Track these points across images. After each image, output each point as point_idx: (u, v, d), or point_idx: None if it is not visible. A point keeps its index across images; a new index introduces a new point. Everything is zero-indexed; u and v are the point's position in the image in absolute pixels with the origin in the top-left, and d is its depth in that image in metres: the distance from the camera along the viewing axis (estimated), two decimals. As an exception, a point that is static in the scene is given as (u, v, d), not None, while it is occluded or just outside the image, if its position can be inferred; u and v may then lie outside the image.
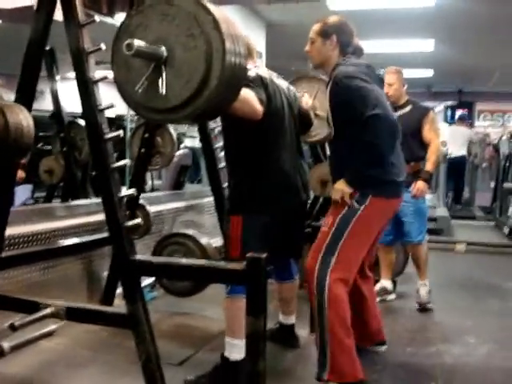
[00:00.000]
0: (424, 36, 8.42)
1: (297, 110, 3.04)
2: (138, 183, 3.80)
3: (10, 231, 2.90)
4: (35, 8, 2.68)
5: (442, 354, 3.28)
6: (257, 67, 2.95)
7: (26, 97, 2.72)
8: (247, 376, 2.25)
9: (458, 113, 13.92)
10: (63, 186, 5.07)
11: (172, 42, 2.12)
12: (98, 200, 4.11)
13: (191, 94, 2.10)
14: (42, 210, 3.70)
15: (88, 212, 3.94)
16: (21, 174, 4.95)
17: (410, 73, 7.67)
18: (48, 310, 2.53)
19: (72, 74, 2.51)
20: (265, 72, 2.92)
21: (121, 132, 2.53)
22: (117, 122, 5.85)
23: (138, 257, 2.45)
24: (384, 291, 4.31)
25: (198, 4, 2.10)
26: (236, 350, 2.70)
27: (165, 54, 2.11)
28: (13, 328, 2.43)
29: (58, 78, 4.65)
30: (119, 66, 2.24)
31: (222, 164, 3.63)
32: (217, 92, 2.10)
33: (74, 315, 2.56)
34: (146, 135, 3.76)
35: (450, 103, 14.54)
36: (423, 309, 4.14)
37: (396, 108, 4.24)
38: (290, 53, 9.60)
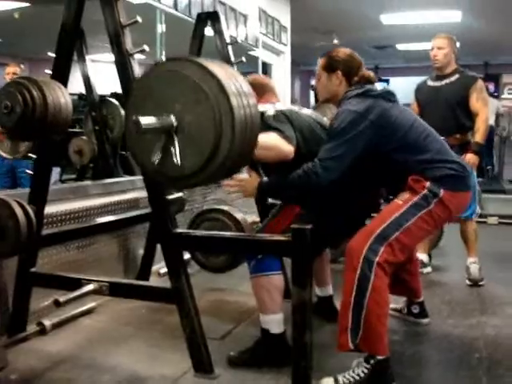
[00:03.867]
0: (451, 7, 8.27)
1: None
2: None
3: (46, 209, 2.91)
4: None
5: (484, 325, 3.24)
6: (274, 103, 2.90)
7: (62, 76, 2.72)
8: (293, 346, 2.24)
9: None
10: (93, 166, 5.08)
11: (180, 109, 2.07)
12: (130, 178, 4.17)
13: (205, 161, 2.07)
14: (77, 189, 3.70)
15: (122, 190, 3.95)
16: None
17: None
18: (91, 286, 2.54)
19: (96, 57, 2.50)
20: (283, 106, 2.86)
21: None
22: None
23: (180, 230, 2.44)
24: (420, 264, 4.26)
25: (200, 68, 2.05)
26: (274, 325, 2.67)
27: (174, 122, 2.07)
28: (57, 304, 2.44)
29: (87, 58, 4.64)
30: (132, 136, 2.19)
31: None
32: (231, 154, 2.07)
33: (117, 291, 2.58)
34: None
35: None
36: (475, 285, 4.03)
37: (442, 77, 4.17)
38: (315, 28, 9.51)
